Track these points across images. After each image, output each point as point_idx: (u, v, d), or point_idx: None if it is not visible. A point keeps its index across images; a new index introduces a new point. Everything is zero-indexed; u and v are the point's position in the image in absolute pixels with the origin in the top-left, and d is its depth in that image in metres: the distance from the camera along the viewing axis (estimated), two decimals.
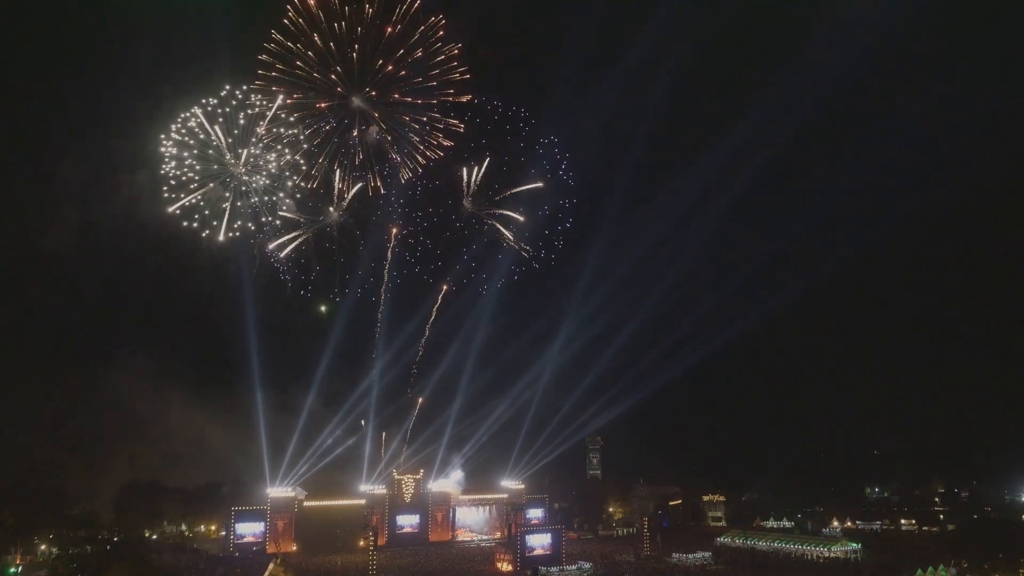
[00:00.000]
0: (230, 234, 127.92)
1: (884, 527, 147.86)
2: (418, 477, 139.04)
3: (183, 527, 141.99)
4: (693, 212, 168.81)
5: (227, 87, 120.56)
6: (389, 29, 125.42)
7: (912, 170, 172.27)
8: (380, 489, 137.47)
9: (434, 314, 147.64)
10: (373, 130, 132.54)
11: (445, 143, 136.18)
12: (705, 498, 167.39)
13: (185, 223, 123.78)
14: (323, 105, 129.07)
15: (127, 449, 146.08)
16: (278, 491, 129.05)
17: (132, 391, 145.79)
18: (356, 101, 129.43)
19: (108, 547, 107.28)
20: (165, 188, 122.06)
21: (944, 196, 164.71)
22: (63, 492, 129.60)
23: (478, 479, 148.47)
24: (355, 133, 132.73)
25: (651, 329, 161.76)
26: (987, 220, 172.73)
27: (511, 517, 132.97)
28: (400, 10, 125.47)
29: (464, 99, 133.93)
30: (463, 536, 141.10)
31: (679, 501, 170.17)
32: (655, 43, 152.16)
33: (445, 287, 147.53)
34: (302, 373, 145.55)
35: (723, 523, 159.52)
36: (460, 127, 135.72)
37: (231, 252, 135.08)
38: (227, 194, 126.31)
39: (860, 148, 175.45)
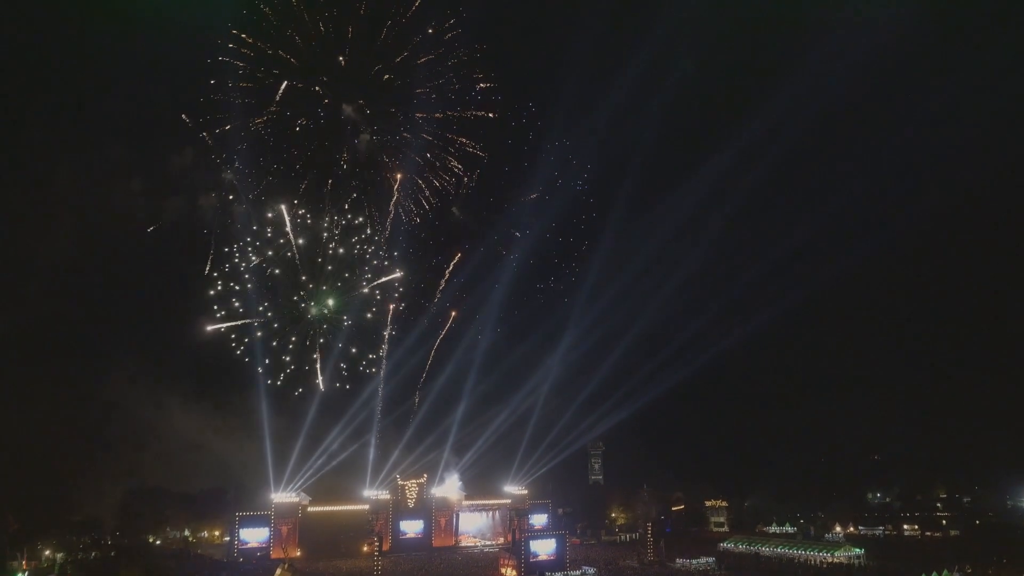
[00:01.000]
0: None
1: (887, 532, 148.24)
2: (421, 482, 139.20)
3: (186, 533, 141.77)
4: (696, 218, 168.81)
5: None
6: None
7: (915, 174, 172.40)
8: (384, 494, 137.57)
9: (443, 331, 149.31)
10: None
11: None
12: (707, 503, 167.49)
13: None
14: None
15: (130, 455, 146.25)
16: (282, 496, 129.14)
17: (134, 397, 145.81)
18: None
19: (113, 553, 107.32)
20: None
21: (948, 199, 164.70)
22: (66, 498, 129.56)
23: (481, 484, 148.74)
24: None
25: (653, 336, 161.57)
26: (991, 223, 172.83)
27: (515, 523, 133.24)
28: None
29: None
30: (466, 542, 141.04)
31: (681, 507, 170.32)
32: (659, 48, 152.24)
33: (454, 312, 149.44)
34: (305, 374, 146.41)
35: (725, 528, 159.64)
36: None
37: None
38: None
39: (862, 155, 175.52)
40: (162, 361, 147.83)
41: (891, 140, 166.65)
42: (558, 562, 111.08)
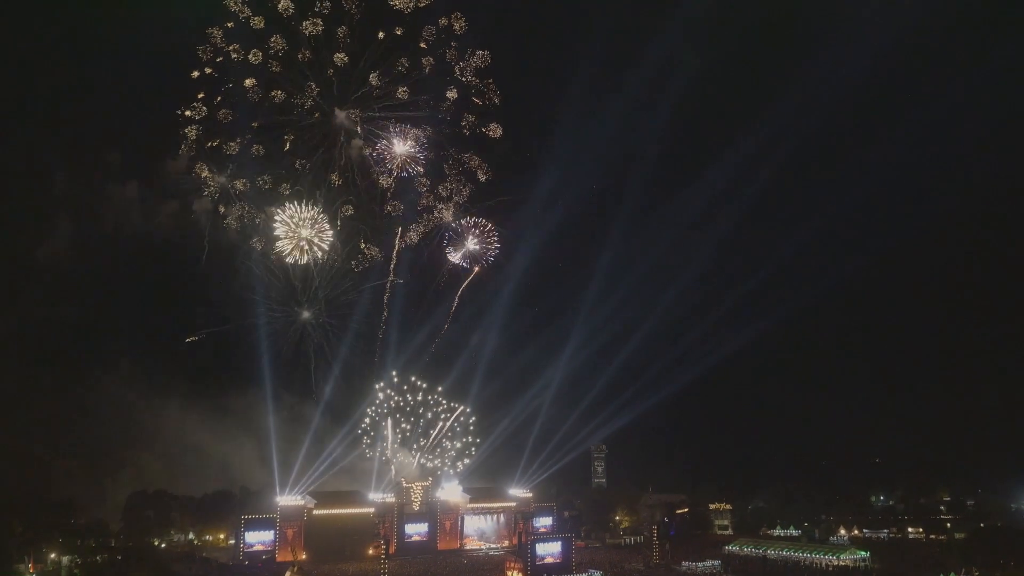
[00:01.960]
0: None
1: (891, 535, 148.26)
2: (426, 485, 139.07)
3: (191, 536, 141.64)
4: (701, 220, 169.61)
5: None
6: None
7: (917, 177, 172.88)
8: (389, 497, 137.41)
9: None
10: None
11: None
12: (711, 506, 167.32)
13: None
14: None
15: (134, 458, 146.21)
16: (288, 499, 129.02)
17: (138, 400, 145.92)
18: None
19: (119, 556, 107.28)
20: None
21: (950, 203, 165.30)
22: (71, 501, 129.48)
23: (486, 487, 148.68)
24: None
25: (656, 339, 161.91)
26: (994, 226, 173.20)
27: (520, 525, 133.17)
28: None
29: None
30: (471, 544, 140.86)
31: (685, 509, 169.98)
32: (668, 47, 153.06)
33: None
34: (312, 380, 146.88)
35: (729, 531, 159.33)
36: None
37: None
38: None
39: (867, 158, 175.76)
40: (163, 364, 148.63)
41: (892, 143, 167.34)
42: (564, 565, 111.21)
